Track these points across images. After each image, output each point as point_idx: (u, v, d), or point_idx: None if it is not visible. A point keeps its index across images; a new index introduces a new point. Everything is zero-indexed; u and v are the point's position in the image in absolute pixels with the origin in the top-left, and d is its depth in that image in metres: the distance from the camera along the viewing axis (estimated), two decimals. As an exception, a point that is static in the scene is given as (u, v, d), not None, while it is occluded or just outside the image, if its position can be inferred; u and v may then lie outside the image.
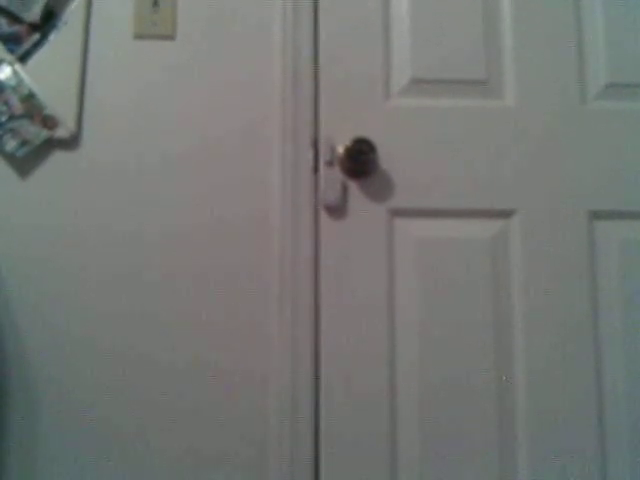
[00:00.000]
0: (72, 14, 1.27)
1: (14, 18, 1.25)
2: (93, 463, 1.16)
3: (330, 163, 1.21)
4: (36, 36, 1.25)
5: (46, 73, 1.24)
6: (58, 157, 1.25)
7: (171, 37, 1.28)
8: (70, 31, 1.26)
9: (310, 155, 1.23)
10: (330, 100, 1.24)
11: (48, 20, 1.26)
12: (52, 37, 1.26)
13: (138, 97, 1.26)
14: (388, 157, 1.23)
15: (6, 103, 1.23)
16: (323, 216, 1.21)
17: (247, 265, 1.22)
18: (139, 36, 1.28)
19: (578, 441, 1.16)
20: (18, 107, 1.23)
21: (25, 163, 1.24)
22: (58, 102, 1.24)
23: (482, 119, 1.25)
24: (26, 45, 1.25)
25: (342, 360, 1.17)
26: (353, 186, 1.22)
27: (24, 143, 1.22)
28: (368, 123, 1.23)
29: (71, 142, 1.24)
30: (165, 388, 1.19)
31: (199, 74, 1.27)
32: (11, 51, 1.24)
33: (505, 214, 1.23)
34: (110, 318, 1.20)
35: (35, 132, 1.23)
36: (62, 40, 1.26)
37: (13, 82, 1.23)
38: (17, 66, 1.24)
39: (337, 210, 1.21)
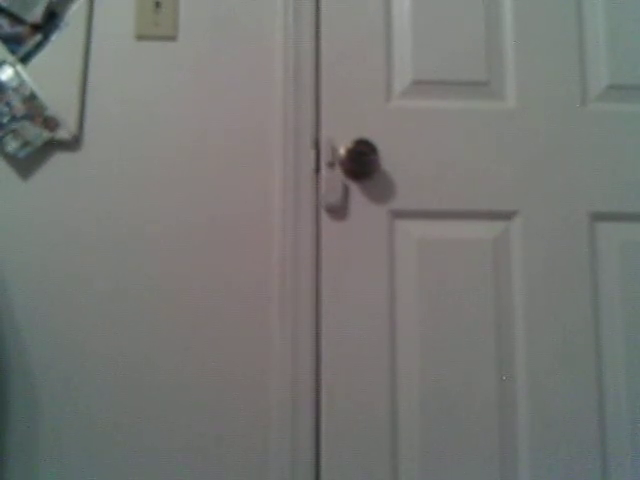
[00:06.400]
0: (74, 15, 1.27)
1: (16, 19, 1.25)
2: (93, 464, 1.16)
3: (331, 164, 1.21)
4: (38, 37, 1.25)
5: (48, 74, 1.24)
6: (59, 158, 1.24)
7: (173, 38, 1.28)
8: (72, 32, 1.26)
9: (311, 156, 1.23)
10: (331, 101, 1.24)
11: (50, 21, 1.26)
12: (54, 38, 1.26)
13: (140, 98, 1.26)
14: (389, 158, 1.23)
15: (7, 104, 1.23)
16: (324, 217, 1.21)
17: (248, 266, 1.22)
18: (141, 37, 1.28)
19: (579, 442, 1.15)
20: (19, 108, 1.23)
21: (26, 164, 1.24)
22: (60, 103, 1.24)
23: (483, 120, 1.25)
24: (28, 46, 1.25)
25: (343, 361, 1.17)
26: (354, 187, 1.22)
27: (25, 144, 1.22)
28: (369, 124, 1.24)
29: (72, 143, 1.25)
30: (165, 389, 1.18)
31: (201, 75, 1.28)
32: (13, 52, 1.24)
33: (506, 215, 1.23)
34: (110, 319, 1.20)
35: (36, 133, 1.22)
36: (64, 41, 1.26)
37: (15, 83, 1.23)
38: (19, 67, 1.24)
39: (338, 211, 1.21)
